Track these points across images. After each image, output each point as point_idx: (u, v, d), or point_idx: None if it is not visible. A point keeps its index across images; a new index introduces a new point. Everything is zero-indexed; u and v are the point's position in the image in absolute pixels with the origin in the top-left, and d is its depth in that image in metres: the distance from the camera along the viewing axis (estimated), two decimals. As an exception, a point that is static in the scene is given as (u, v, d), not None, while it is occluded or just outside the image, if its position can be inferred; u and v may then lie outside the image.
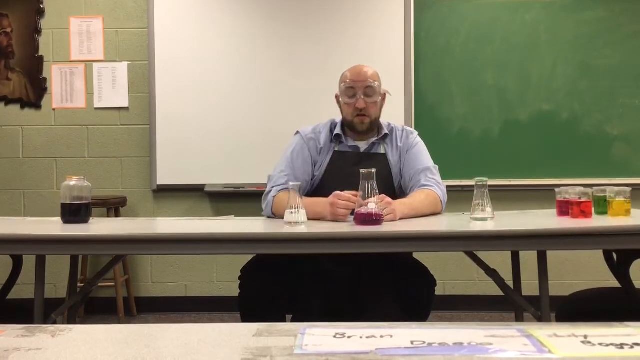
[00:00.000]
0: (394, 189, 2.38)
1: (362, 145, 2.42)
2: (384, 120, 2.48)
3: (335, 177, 2.33)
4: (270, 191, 2.32)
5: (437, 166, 2.41)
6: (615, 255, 2.28)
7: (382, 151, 2.42)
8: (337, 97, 2.46)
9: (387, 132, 2.43)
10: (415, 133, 2.50)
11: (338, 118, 2.49)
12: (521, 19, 4.03)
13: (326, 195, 2.14)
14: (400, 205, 2.13)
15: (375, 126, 2.43)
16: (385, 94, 2.44)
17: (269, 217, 2.33)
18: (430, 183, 2.33)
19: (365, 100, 2.34)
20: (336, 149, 2.41)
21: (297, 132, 2.48)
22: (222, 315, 3.97)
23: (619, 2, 3.99)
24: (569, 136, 4.01)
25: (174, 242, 1.98)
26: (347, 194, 2.05)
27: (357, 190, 2.03)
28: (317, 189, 2.36)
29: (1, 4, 4.08)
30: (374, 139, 2.42)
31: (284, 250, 2.01)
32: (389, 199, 2.08)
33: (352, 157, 2.39)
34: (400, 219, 2.10)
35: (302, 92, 3.96)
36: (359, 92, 2.34)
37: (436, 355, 0.76)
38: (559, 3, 4.01)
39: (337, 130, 2.41)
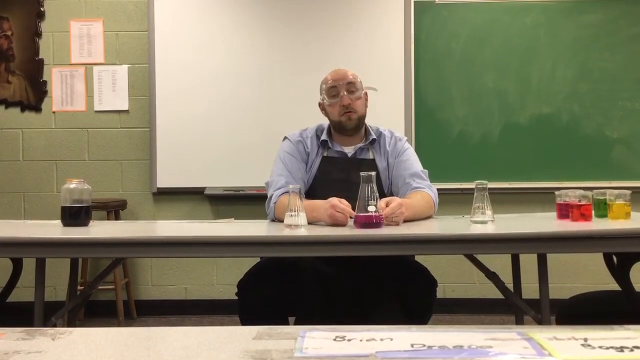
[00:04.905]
0: (383, 194, 2.37)
1: (349, 151, 2.42)
2: (373, 124, 2.49)
3: (325, 184, 2.33)
4: (271, 197, 2.31)
5: (426, 171, 2.42)
6: (615, 258, 2.28)
7: (371, 157, 2.42)
8: (320, 105, 2.46)
9: (374, 137, 2.43)
10: (404, 139, 2.49)
11: (326, 123, 2.49)
12: (521, 22, 4.03)
13: None
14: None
15: (362, 125, 2.43)
16: (367, 93, 2.44)
17: (273, 220, 2.33)
18: (422, 185, 2.34)
19: (349, 97, 2.35)
20: (324, 154, 2.41)
21: (285, 138, 2.48)
22: (222, 318, 3.97)
23: (618, 5, 4.00)
24: (569, 139, 4.01)
25: (174, 245, 1.98)
26: (346, 206, 2.03)
27: (348, 195, 2.04)
28: (307, 195, 2.34)
29: (1, 6, 4.09)
30: (361, 144, 2.42)
31: (284, 253, 2.01)
32: (403, 209, 2.07)
33: (341, 163, 2.39)
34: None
35: (302, 95, 3.95)
36: (342, 90, 2.36)
37: (436, 359, 0.76)
38: (558, 6, 4.02)
39: (324, 137, 2.41)
